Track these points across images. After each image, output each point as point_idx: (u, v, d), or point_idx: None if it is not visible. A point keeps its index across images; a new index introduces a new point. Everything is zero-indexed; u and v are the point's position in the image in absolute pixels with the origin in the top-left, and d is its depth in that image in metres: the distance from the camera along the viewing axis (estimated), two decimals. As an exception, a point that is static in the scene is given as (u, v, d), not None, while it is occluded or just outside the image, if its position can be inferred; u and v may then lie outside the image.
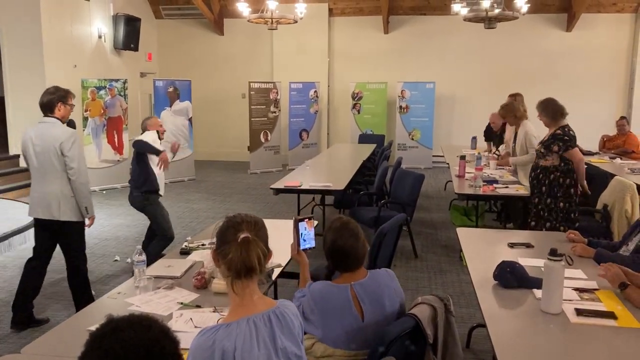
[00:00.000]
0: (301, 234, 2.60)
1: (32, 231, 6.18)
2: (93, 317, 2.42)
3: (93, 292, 4.45)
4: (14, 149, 9.14)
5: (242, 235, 1.73)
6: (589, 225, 4.87)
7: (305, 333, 2.47)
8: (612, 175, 5.55)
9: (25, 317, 4.01)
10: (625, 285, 2.66)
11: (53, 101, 3.81)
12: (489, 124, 8.24)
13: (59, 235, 4.00)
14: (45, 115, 3.85)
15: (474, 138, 8.85)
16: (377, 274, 2.43)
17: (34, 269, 4.04)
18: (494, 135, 8.20)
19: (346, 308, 2.28)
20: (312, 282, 2.44)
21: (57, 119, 3.84)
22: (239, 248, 1.71)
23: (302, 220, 2.62)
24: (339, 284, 2.35)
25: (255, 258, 1.71)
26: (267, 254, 1.79)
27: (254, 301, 1.76)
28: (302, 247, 2.62)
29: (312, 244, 2.67)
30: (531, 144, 5.53)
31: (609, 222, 4.88)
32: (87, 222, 4.02)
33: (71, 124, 4.41)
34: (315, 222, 2.88)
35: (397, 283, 2.46)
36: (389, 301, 2.36)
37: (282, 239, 2.60)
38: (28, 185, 8.54)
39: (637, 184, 4.92)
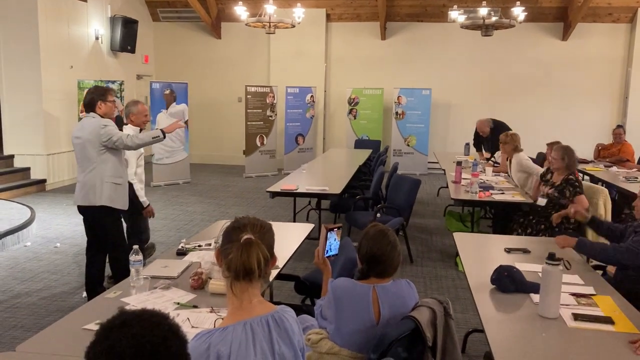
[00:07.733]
0: (329, 243, 2.63)
1: (25, 232, 6.21)
2: (87, 316, 2.40)
3: (83, 295, 4.49)
4: (9, 149, 9.10)
5: (245, 237, 1.71)
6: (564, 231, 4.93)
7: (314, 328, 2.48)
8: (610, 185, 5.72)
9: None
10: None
11: (94, 99, 4.08)
12: (477, 131, 8.31)
13: (96, 224, 4.20)
14: (88, 113, 4.14)
15: (467, 144, 8.88)
16: (399, 282, 2.41)
17: (92, 257, 4.33)
18: (483, 140, 8.25)
19: (364, 307, 2.28)
20: (333, 279, 2.44)
21: (99, 115, 4.07)
22: (240, 249, 1.69)
23: (332, 229, 2.65)
24: (362, 283, 2.35)
25: (255, 261, 1.67)
26: (270, 259, 1.75)
27: (253, 305, 1.72)
28: (326, 255, 2.64)
29: (336, 251, 2.71)
30: (529, 167, 5.93)
31: (584, 228, 4.94)
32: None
33: (119, 120, 4.75)
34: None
35: (416, 294, 2.44)
36: (406, 311, 2.34)
37: (277, 242, 2.59)
38: (23, 186, 8.63)
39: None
